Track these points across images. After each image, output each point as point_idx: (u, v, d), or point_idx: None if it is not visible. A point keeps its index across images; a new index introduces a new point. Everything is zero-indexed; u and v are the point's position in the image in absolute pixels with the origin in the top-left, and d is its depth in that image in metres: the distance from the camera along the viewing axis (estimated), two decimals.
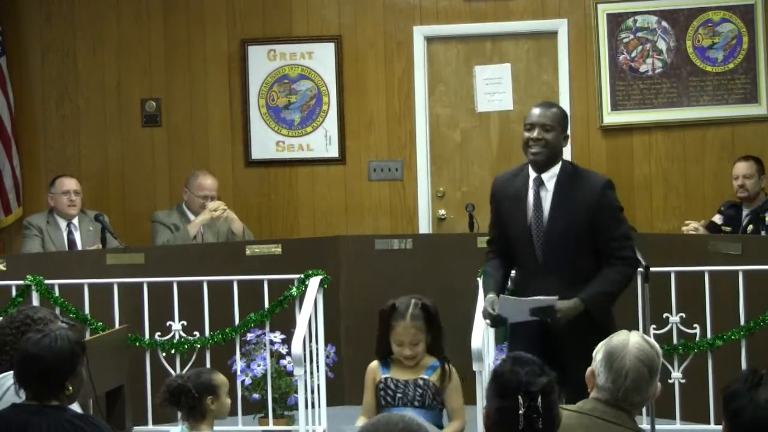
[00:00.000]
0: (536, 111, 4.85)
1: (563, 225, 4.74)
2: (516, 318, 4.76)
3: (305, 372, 5.97)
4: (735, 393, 2.78)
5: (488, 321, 4.85)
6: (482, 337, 5.61)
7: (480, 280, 5.17)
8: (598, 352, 3.43)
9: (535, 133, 4.77)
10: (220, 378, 4.55)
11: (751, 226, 7.05)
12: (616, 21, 8.03)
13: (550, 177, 4.81)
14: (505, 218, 4.89)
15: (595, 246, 4.78)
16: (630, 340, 3.39)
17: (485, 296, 4.90)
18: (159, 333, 6.52)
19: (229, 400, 4.56)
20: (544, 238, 4.77)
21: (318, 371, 6.28)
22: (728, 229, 7.15)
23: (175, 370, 6.40)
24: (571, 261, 4.72)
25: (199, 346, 6.48)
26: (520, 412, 2.93)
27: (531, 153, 4.80)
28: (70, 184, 7.55)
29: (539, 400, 2.94)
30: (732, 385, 2.80)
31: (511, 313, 4.74)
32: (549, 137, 4.77)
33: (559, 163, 4.84)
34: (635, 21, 8.02)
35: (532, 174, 4.85)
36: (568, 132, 4.96)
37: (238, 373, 6.39)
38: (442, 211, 8.25)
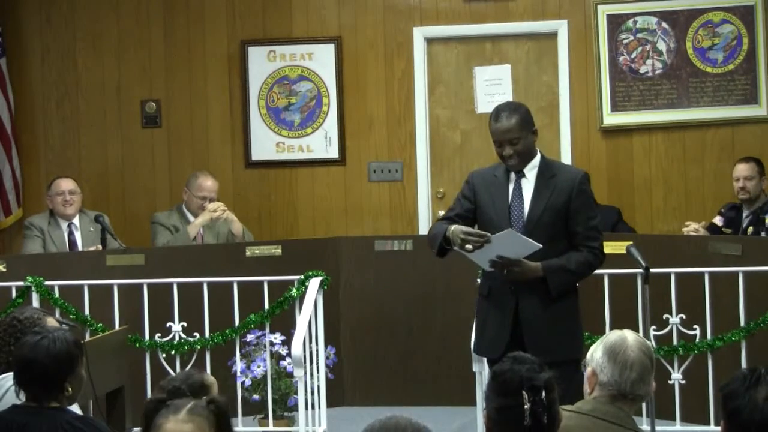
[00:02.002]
0: (500, 126, 4.86)
1: (543, 211, 4.83)
2: (477, 259, 4.78)
3: (305, 373, 5.97)
4: (733, 392, 2.78)
5: (470, 246, 4.69)
6: None
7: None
8: (596, 352, 3.45)
9: (506, 151, 4.86)
10: (211, 378, 4.50)
11: (751, 228, 7.06)
12: (616, 22, 8.03)
13: (530, 168, 4.92)
14: (483, 204, 4.94)
15: (568, 234, 4.88)
16: (627, 336, 3.48)
17: (446, 232, 4.81)
18: (159, 334, 6.52)
19: None
20: (524, 223, 4.84)
21: (318, 372, 6.29)
22: (728, 231, 7.15)
23: (175, 371, 6.39)
24: (546, 247, 4.75)
25: (199, 347, 6.48)
26: (526, 407, 2.94)
27: (509, 165, 4.91)
28: (65, 184, 7.54)
29: (543, 394, 2.96)
30: (730, 384, 2.80)
31: (478, 254, 4.73)
32: (520, 148, 4.85)
33: (538, 155, 4.94)
34: (635, 22, 8.02)
35: None
36: (535, 126, 4.98)
37: (238, 374, 6.39)
38: (442, 213, 8.23)
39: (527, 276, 4.75)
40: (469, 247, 4.70)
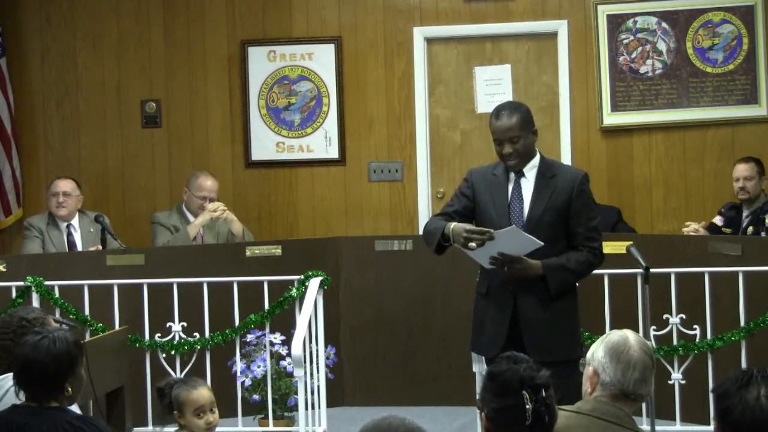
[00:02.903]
0: (501, 124, 4.87)
1: (544, 210, 4.83)
2: (477, 256, 4.78)
3: (305, 373, 5.97)
4: (725, 392, 2.80)
5: (474, 244, 4.68)
6: None
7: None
8: (597, 352, 3.45)
9: (506, 149, 4.86)
10: (195, 395, 4.15)
11: (751, 228, 7.06)
12: (616, 22, 8.03)
13: (530, 168, 4.93)
14: (483, 203, 4.94)
15: (568, 234, 4.89)
16: (628, 335, 3.48)
17: (445, 229, 4.80)
18: (159, 334, 6.52)
19: (202, 422, 4.14)
20: (524, 222, 4.84)
21: (318, 372, 6.28)
22: (728, 230, 7.15)
23: (175, 371, 6.40)
24: (545, 247, 4.76)
25: (199, 347, 6.48)
26: (528, 406, 2.93)
27: (508, 165, 4.91)
28: (60, 185, 7.52)
29: (543, 392, 2.96)
30: (723, 384, 2.83)
31: (479, 250, 4.71)
32: (519, 147, 4.85)
33: (537, 155, 4.94)
34: (635, 22, 8.02)
35: None
36: (535, 127, 4.97)
37: (238, 374, 6.39)
38: None
39: (527, 273, 4.75)
40: (472, 245, 4.69)
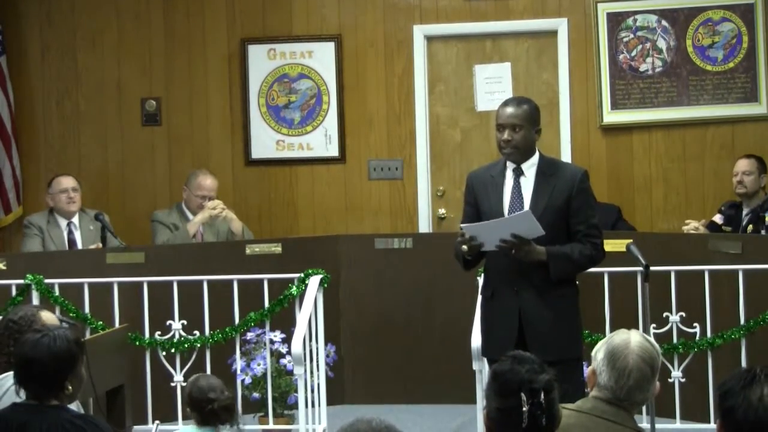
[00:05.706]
0: (506, 111, 4.90)
1: (545, 209, 4.83)
2: (487, 244, 4.79)
3: (305, 371, 5.97)
4: (729, 391, 2.78)
5: (465, 248, 4.78)
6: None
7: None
8: (599, 351, 3.43)
9: (505, 135, 4.86)
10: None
11: (751, 226, 7.06)
12: (616, 20, 8.03)
13: (529, 166, 4.92)
14: (483, 205, 4.95)
15: (568, 232, 4.89)
16: (632, 339, 3.41)
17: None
18: (159, 332, 6.52)
19: None
20: None
21: (318, 370, 6.29)
22: (728, 229, 7.16)
23: (175, 369, 6.41)
24: (546, 245, 4.76)
25: (199, 345, 6.48)
26: (524, 409, 2.93)
27: (504, 153, 4.92)
28: (67, 182, 7.54)
29: (542, 396, 2.95)
30: (726, 383, 2.81)
31: (488, 237, 4.75)
32: (518, 137, 4.86)
33: (537, 153, 4.94)
34: (635, 20, 8.02)
35: (511, 165, 4.95)
36: (540, 126, 4.97)
37: (238, 372, 6.40)
38: (442, 210, 8.26)
39: (532, 257, 4.75)
40: (464, 248, 4.74)
